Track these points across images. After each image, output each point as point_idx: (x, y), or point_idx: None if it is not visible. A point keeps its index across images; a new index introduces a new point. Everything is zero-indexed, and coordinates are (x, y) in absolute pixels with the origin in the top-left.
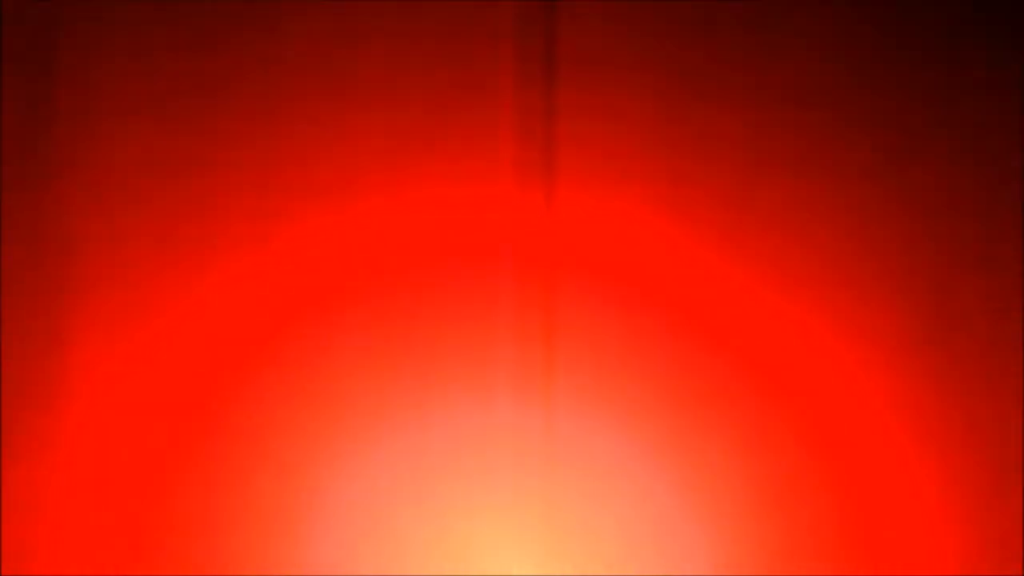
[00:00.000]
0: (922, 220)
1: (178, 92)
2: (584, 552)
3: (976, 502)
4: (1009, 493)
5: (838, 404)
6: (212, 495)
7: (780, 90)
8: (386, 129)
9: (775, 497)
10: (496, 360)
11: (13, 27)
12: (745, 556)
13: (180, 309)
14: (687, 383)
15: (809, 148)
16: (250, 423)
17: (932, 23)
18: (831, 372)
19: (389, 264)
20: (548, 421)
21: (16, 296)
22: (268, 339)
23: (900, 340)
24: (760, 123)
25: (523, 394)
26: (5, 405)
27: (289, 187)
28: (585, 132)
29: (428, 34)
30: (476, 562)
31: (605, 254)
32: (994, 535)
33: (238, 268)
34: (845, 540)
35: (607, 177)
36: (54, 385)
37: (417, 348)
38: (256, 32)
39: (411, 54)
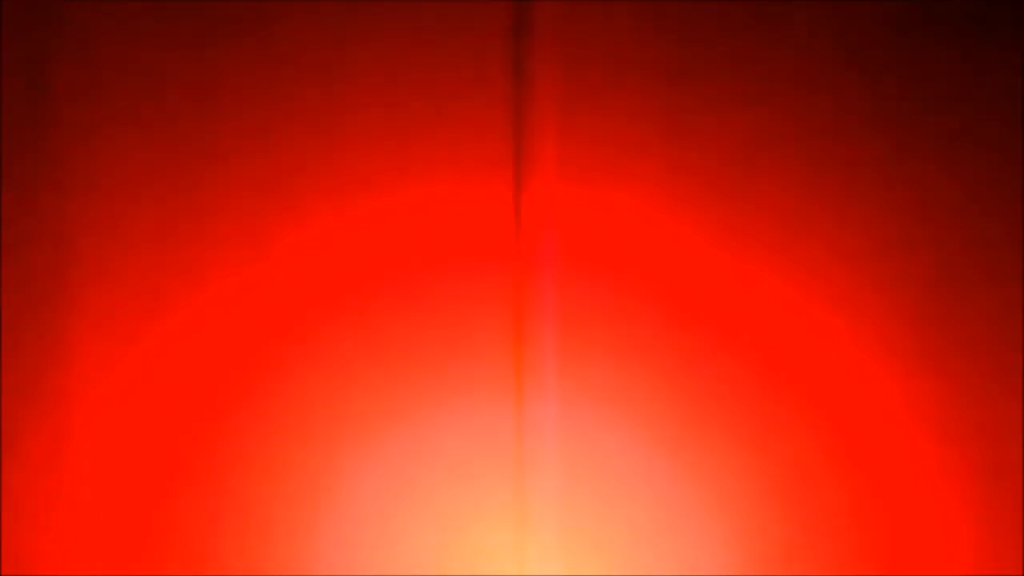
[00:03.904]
0: (923, 215)
1: (178, 92)
2: (588, 553)
3: (985, 499)
4: (1014, 491)
5: (843, 396)
6: (212, 496)
7: (780, 85)
8: (384, 129)
9: (779, 493)
10: (495, 359)
11: (13, 27)
12: (753, 554)
13: (180, 310)
14: (687, 379)
15: (810, 142)
16: (250, 424)
17: (933, 22)
18: (835, 365)
19: (387, 264)
20: (548, 420)
21: (16, 296)
22: (267, 339)
23: (906, 333)
24: (759, 120)
25: (522, 392)
26: (5, 405)
27: (289, 187)
28: (584, 125)
29: (426, 32)
30: (476, 563)
31: (604, 249)
32: (1003, 533)
33: (238, 269)
34: (854, 537)
35: (605, 171)
36: (54, 385)
37: (415, 348)
38: (256, 32)
39: (409, 53)
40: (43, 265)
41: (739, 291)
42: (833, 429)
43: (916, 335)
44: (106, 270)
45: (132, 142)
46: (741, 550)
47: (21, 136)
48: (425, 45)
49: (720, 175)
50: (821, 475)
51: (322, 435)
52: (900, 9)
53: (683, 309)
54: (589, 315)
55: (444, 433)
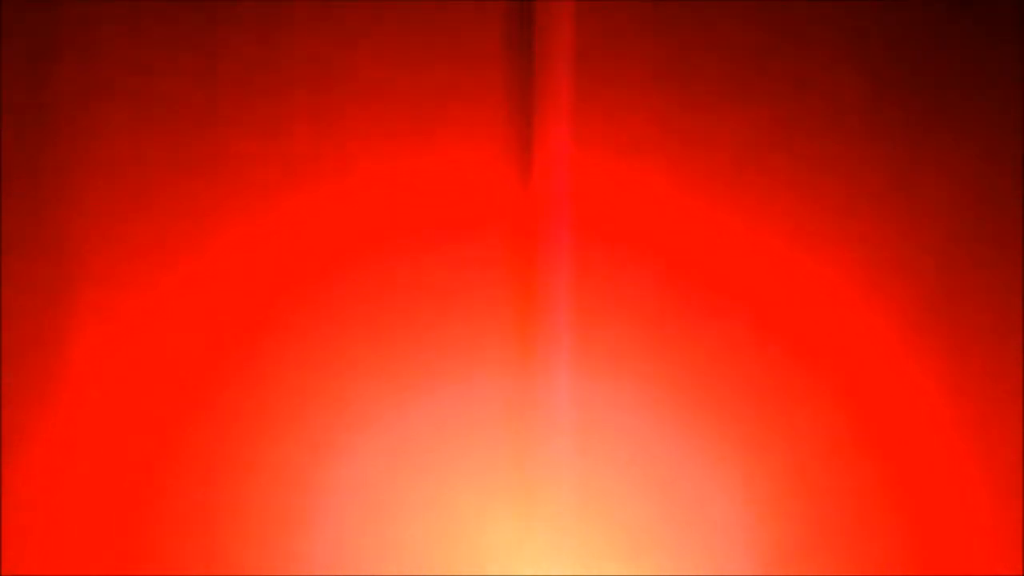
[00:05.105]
0: (928, 209)
1: (179, 90)
2: (593, 546)
3: (1001, 491)
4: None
5: (859, 374)
6: (211, 493)
7: (789, 75)
8: (384, 117)
9: (797, 476)
10: (497, 343)
11: (13, 27)
12: (772, 547)
13: (179, 309)
14: (705, 359)
15: (827, 123)
16: (249, 419)
17: (935, 21)
18: (850, 339)
19: (384, 251)
20: (558, 399)
21: (16, 296)
22: (266, 338)
23: (920, 313)
24: (762, 115)
25: (527, 378)
26: (5, 405)
27: (289, 188)
28: (593, 106)
29: (426, 25)
30: (476, 556)
31: (615, 223)
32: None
33: (235, 268)
34: (875, 527)
35: (617, 150)
36: (54, 385)
37: (414, 333)
38: (256, 30)
39: (408, 46)
40: (43, 265)
41: (754, 266)
42: (849, 406)
43: (928, 316)
44: (106, 270)
45: (132, 141)
46: (760, 545)
47: (21, 136)
48: (434, 17)
49: (736, 150)
50: (839, 454)
51: (320, 418)
52: (904, 9)
53: (698, 285)
54: (599, 290)
55: (447, 416)
